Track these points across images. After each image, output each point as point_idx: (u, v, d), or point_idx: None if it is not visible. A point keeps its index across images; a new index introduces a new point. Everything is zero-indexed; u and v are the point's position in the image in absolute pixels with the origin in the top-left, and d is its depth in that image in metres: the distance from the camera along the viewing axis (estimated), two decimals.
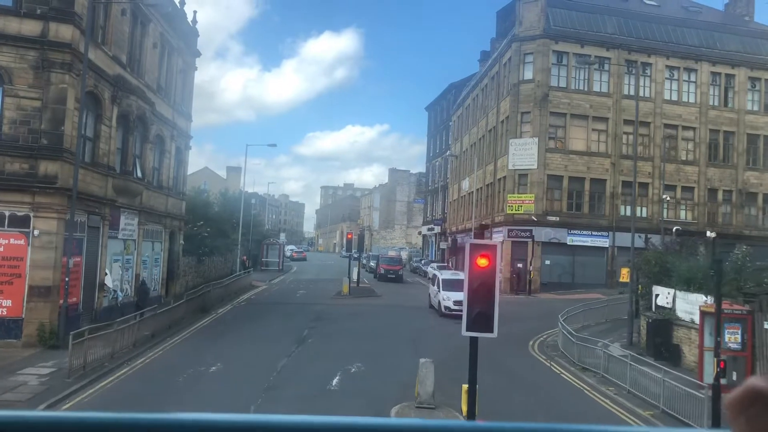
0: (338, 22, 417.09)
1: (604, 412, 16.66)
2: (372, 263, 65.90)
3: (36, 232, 20.67)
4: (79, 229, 22.76)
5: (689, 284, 22.71)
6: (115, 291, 26.54)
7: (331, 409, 15.71)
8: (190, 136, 36.45)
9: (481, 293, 9.31)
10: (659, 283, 25.56)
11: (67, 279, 20.57)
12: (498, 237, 48.44)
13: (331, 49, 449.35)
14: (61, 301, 20.66)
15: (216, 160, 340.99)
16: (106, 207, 25.15)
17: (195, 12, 35.63)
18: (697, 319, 21.64)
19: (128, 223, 27.79)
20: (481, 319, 9.25)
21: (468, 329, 9.29)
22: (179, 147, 34.45)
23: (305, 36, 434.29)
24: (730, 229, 47.05)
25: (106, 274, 25.43)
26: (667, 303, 23.96)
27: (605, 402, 17.55)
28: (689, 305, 22.37)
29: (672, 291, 23.82)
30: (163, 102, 31.31)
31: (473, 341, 9.57)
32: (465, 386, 9.98)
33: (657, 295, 25.06)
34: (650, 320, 23.80)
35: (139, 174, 28.26)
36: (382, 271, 55.04)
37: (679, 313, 23.04)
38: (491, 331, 9.30)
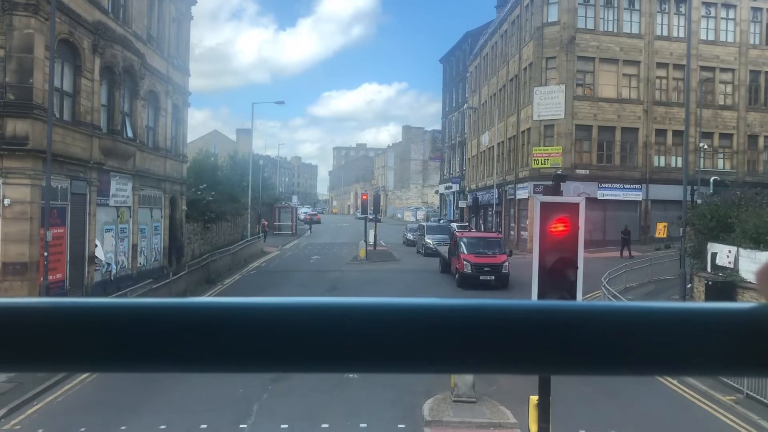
0: None
1: (674, 396, 13.98)
2: (430, 240, 40.64)
3: (6, 202, 18.02)
4: (60, 196, 20.13)
5: (758, 242, 19.77)
6: (108, 264, 24.01)
7: (351, 397, 13.25)
8: (189, 92, 33.46)
9: (558, 273, 6.52)
10: (716, 239, 22.64)
11: (46, 253, 17.97)
12: (522, 193, 45.49)
13: (347, 6, 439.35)
14: (41, 279, 18.14)
15: (231, 123, 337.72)
16: (93, 171, 22.45)
17: None
18: None
19: (120, 189, 25.12)
20: None
21: None
22: (176, 104, 31.53)
23: None
24: None
25: (96, 245, 22.86)
26: (729, 263, 21.08)
27: (671, 384, 14.87)
28: (758, 265, 19.50)
29: (734, 249, 20.92)
30: (155, 54, 28.30)
31: None
32: (534, 398, 7.25)
33: (714, 254, 22.18)
34: (709, 282, 20.96)
35: (130, 133, 25.44)
36: (469, 269, 27.41)
37: (744, 275, 20.14)
38: None
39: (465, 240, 29.18)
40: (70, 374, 14.23)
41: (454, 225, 50.38)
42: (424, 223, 49.69)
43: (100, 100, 23.06)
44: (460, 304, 0.53)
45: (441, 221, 59.97)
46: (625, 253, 36.19)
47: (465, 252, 28.00)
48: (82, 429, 11.42)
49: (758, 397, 13.41)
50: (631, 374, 0.53)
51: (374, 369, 0.54)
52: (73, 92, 21.38)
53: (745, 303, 0.51)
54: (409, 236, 50.55)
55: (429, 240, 40.98)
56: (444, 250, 32.88)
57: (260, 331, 0.49)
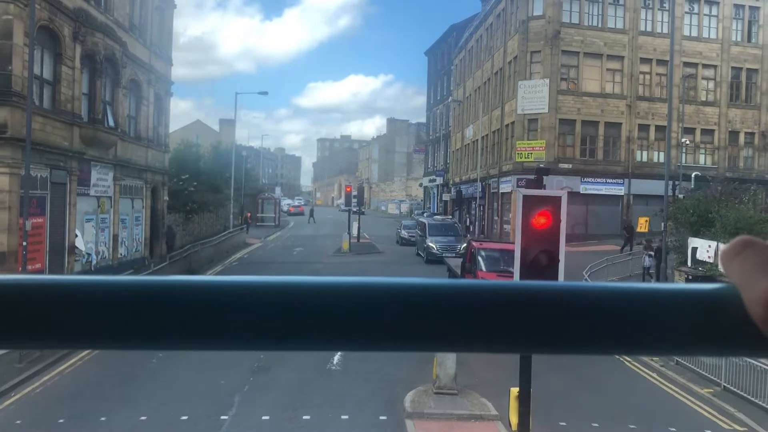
0: None
1: (653, 389, 14.13)
2: (434, 245, 33.59)
3: None
4: (39, 185, 19.90)
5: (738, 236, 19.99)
6: (88, 254, 23.78)
7: (333, 389, 13.23)
8: (171, 81, 33.13)
9: (540, 268, 6.53)
10: (697, 234, 22.88)
11: (25, 243, 17.75)
12: (506, 187, 45.63)
13: None
14: (20, 268, 17.91)
15: (215, 113, 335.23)
16: (73, 160, 22.19)
17: None
18: None
19: (101, 179, 24.86)
20: None
21: None
22: (159, 94, 31.20)
23: None
24: (752, 174, 44.14)
25: (76, 235, 22.63)
26: (709, 257, 21.31)
27: (653, 378, 15.03)
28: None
29: (714, 243, 21.14)
30: (137, 42, 27.98)
31: None
32: (514, 390, 7.28)
33: (695, 249, 22.41)
34: (689, 277, 21.20)
35: (111, 123, 25.16)
36: None
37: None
38: None
39: (483, 253, 22.28)
40: (49, 353, 14.13)
41: (438, 218, 48.11)
42: (425, 220, 40.16)
43: (80, 88, 22.77)
44: (442, 283, 0.54)
45: (424, 214, 58.92)
46: (627, 248, 35.63)
47: (483, 269, 21.48)
48: (61, 420, 11.32)
49: (735, 389, 13.59)
50: (605, 353, 0.55)
51: (357, 347, 0.55)
52: (54, 80, 21.09)
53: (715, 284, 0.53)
54: (404, 234, 43.56)
55: (432, 245, 33.85)
56: (454, 262, 25.75)
57: (248, 309, 0.51)
